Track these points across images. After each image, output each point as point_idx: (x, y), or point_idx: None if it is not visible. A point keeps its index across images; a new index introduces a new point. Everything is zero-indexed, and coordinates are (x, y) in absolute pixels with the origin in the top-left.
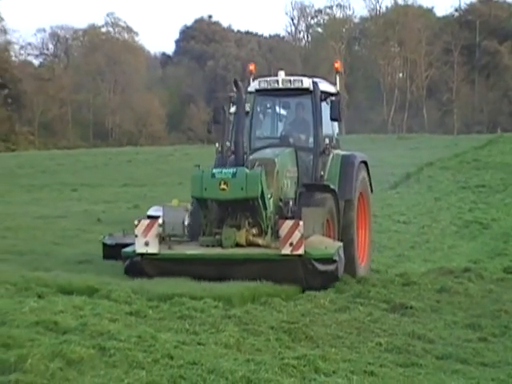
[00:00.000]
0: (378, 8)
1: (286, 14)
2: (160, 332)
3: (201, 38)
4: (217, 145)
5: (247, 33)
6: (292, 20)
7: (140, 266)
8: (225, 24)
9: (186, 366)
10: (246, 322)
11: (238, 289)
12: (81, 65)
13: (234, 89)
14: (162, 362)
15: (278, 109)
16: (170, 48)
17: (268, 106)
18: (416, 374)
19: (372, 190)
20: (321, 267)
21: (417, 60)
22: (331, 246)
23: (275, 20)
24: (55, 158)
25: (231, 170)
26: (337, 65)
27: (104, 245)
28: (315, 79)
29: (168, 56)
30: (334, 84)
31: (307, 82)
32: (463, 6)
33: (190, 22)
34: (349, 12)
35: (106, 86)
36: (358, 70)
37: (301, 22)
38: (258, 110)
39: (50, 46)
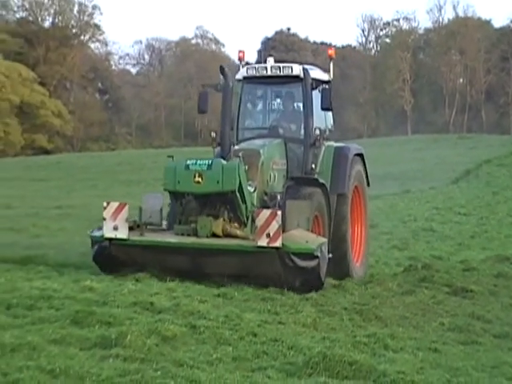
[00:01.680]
0: (441, 20)
1: (357, 26)
2: (245, 312)
3: (280, 47)
4: (213, 134)
5: (322, 43)
6: (363, 31)
7: (108, 252)
8: (302, 35)
9: (268, 342)
10: (322, 304)
11: None
12: (173, 73)
13: (221, 76)
14: (246, 339)
15: (267, 97)
16: (252, 57)
17: (257, 94)
18: (475, 351)
19: (369, 184)
20: (300, 263)
21: (476, 67)
22: (313, 240)
23: (347, 31)
24: (150, 157)
25: (206, 162)
26: (331, 51)
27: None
28: (306, 66)
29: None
30: (328, 71)
31: (297, 69)
32: None
33: (270, 34)
34: (414, 24)
35: (196, 92)
36: (422, 77)
37: (370, 34)
38: (247, 98)
39: (146, 57)
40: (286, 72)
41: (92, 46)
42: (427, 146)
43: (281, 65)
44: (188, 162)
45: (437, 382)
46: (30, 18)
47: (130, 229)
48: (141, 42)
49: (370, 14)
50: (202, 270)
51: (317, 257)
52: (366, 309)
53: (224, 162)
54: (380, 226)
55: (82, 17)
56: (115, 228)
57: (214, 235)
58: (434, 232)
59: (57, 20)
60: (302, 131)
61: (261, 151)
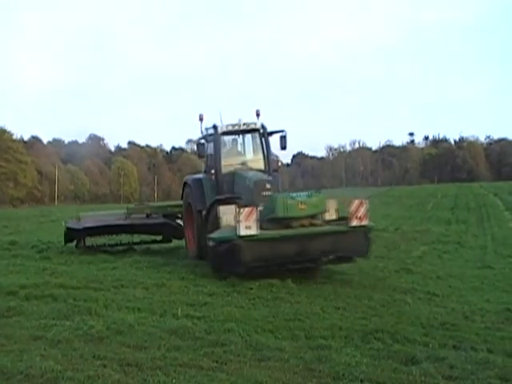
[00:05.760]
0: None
1: (326, 148)
2: None
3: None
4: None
5: (322, 158)
6: (329, 149)
7: (239, 248)
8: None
9: None
10: None
11: None
12: None
13: (213, 131)
14: None
15: (238, 143)
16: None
17: (231, 141)
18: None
19: None
20: (370, 236)
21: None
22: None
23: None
24: None
25: (305, 193)
26: (258, 111)
27: (68, 228)
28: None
29: None
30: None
31: (258, 125)
32: None
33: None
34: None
35: None
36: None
37: (331, 151)
38: (225, 144)
39: None
40: (252, 127)
41: None
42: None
43: (248, 122)
44: (292, 194)
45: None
46: None
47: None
48: None
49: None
50: (307, 252)
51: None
52: None
53: (318, 193)
54: None
55: None
56: (248, 227)
57: (302, 226)
58: None
59: None
60: (262, 164)
61: (270, 179)
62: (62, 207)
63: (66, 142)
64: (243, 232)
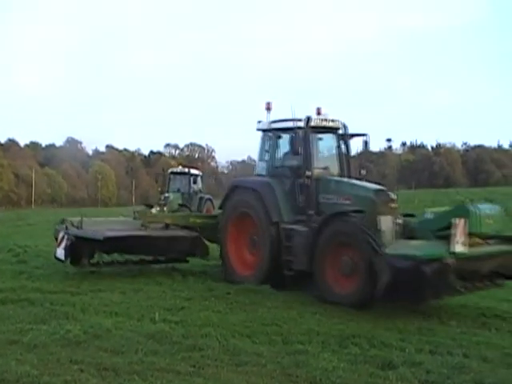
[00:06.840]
0: None
1: None
2: None
3: None
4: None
5: None
6: None
7: (451, 268)
8: None
9: None
10: None
11: None
12: None
13: (303, 124)
14: None
15: (320, 142)
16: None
17: (317, 138)
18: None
19: None
20: None
21: None
22: None
23: None
24: None
25: (489, 206)
26: (319, 110)
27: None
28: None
29: None
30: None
31: (340, 124)
32: None
33: None
34: None
35: None
36: None
37: None
38: (314, 142)
39: None
40: (336, 125)
41: None
42: None
43: (334, 118)
44: (481, 206)
45: None
46: None
47: None
48: None
49: None
50: (479, 272)
51: None
52: None
53: (500, 207)
54: None
55: None
56: (463, 243)
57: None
58: None
59: None
60: (338, 169)
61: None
62: (39, 211)
63: (44, 145)
64: (458, 249)
